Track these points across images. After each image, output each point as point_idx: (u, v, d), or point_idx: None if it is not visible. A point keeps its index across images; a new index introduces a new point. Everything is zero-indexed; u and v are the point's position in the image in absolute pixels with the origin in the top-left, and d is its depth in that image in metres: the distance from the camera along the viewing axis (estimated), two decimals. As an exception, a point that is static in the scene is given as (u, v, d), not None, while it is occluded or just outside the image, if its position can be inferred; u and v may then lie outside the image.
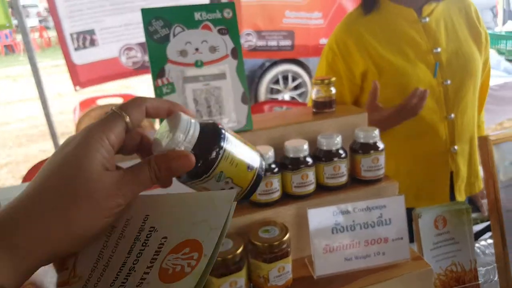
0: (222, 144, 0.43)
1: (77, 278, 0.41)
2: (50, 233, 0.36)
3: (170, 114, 0.44)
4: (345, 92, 1.25)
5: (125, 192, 0.39)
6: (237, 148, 0.45)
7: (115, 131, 0.40)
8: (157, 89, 0.80)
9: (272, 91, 5.19)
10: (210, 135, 0.44)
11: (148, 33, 0.78)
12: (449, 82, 1.21)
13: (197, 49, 0.80)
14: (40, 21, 14.96)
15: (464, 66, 1.23)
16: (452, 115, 1.23)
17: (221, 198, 0.41)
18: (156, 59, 0.79)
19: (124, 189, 0.39)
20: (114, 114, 0.40)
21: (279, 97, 5.21)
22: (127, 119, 0.40)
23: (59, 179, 0.37)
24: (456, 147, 1.25)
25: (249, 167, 0.46)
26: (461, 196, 1.31)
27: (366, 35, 1.22)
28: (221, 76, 0.82)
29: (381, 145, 0.87)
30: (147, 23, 0.77)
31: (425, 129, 1.23)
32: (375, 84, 1.11)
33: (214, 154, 0.43)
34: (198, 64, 0.81)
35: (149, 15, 0.77)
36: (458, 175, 1.29)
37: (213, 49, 0.81)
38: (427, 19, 1.21)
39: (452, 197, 1.30)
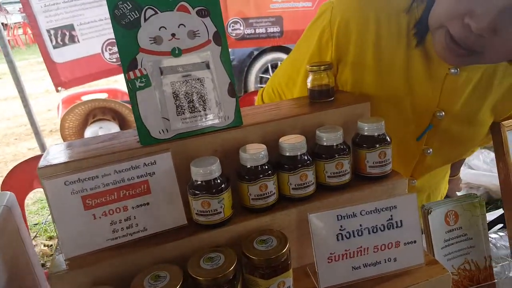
0: None
1: None
2: None
3: None
4: None
5: None
6: None
7: None
8: (129, 82, 0.69)
9: (261, 80, 5.10)
10: None
11: (114, 18, 0.66)
12: (430, 151, 0.97)
13: (173, 35, 0.69)
14: (24, 18, 14.60)
15: (464, 140, 0.98)
16: (415, 181, 1.05)
17: None
18: (125, 48, 0.67)
19: None
20: None
21: (269, 86, 5.11)
22: None
23: None
24: None
25: None
26: None
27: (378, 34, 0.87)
28: (203, 65, 0.71)
29: (388, 138, 0.77)
30: (113, 6, 0.66)
31: None
32: None
33: None
34: (176, 52, 0.70)
35: (114, -4, 0.66)
36: None
37: (192, 34, 0.70)
38: (458, 71, 0.86)
39: None
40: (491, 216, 1.22)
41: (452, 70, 0.86)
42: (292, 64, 1.04)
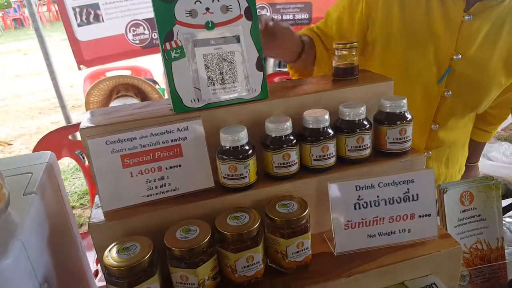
0: None
1: None
2: None
3: None
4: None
5: None
6: None
7: None
8: (165, 53, 0.73)
9: (280, 64, 5.08)
10: None
11: (154, -10, 0.70)
12: (450, 93, 1.06)
13: (207, 9, 0.73)
14: (48, -6, 14.74)
15: (478, 85, 1.07)
16: (437, 126, 1.12)
17: None
18: (163, 20, 0.72)
19: None
20: None
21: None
22: None
23: None
24: (430, 152, 1.16)
25: None
26: None
27: None
28: (234, 39, 0.75)
29: (409, 115, 0.80)
30: (153, -21, 0.70)
31: None
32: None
33: None
34: (209, 25, 0.74)
35: (154, -30, 0.69)
36: None
37: (225, 9, 0.74)
38: (471, 17, 1.00)
39: None
40: (507, 202, 1.23)
41: (466, 17, 1.00)
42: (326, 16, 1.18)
